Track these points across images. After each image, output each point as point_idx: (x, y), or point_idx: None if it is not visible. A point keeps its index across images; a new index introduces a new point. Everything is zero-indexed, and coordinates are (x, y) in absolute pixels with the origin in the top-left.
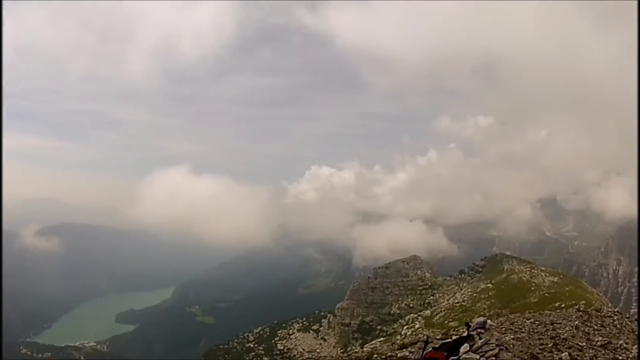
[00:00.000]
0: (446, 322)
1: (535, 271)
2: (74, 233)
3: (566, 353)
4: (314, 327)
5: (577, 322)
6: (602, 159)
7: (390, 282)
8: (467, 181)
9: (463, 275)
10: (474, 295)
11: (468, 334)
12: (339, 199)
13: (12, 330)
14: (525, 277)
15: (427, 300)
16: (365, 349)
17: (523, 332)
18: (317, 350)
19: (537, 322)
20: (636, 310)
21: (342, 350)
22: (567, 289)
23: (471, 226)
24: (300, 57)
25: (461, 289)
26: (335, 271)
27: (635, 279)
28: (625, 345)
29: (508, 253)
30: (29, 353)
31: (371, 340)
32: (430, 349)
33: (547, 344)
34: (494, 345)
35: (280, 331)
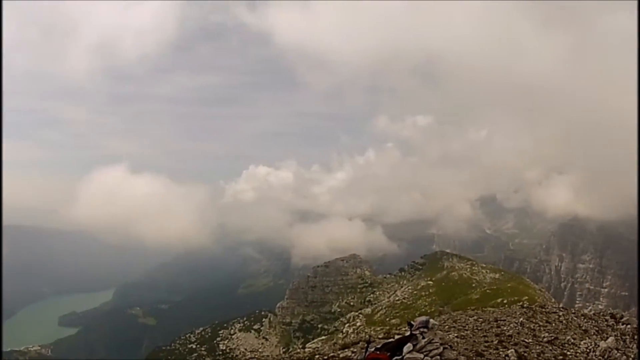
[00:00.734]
0: (388, 319)
1: (476, 268)
2: (13, 235)
3: (512, 350)
4: (255, 327)
5: (521, 319)
6: (543, 158)
7: (330, 281)
8: (406, 180)
9: (403, 273)
10: (415, 292)
11: (411, 333)
12: (277, 199)
13: None
14: (465, 274)
15: (367, 298)
16: (306, 349)
17: (467, 330)
18: (260, 350)
19: (481, 320)
20: (581, 305)
21: (284, 350)
22: (508, 285)
23: (410, 224)
24: (240, 56)
25: (401, 287)
26: (274, 270)
27: (578, 275)
28: (572, 340)
29: (448, 251)
30: None
31: (313, 339)
32: (372, 349)
33: (492, 341)
34: (438, 344)
35: (221, 331)
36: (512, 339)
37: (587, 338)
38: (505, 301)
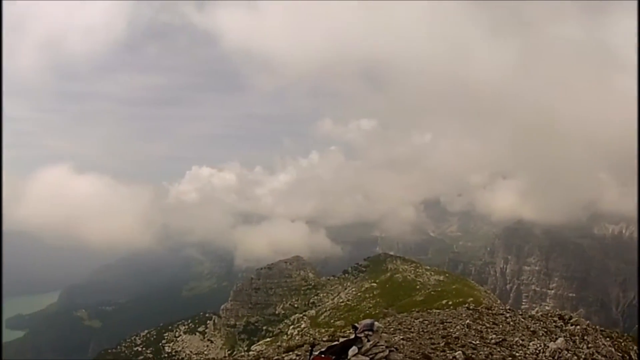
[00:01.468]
0: (332, 321)
1: (420, 270)
2: None
3: (460, 352)
4: (200, 329)
5: (468, 321)
6: (489, 162)
7: (273, 283)
8: (349, 183)
9: (347, 275)
10: (359, 294)
11: (355, 336)
12: (220, 200)
13: None
14: (410, 276)
15: (311, 300)
16: (251, 352)
17: (412, 332)
18: (205, 352)
19: (427, 322)
20: (527, 306)
21: (229, 352)
22: (453, 287)
23: (354, 227)
24: (187, 56)
25: (345, 289)
26: (217, 272)
27: (523, 277)
28: (521, 342)
29: (391, 253)
30: None
31: (258, 341)
32: (317, 352)
33: (439, 344)
34: (383, 347)
35: (167, 334)
36: (459, 341)
37: (535, 339)
38: (450, 303)
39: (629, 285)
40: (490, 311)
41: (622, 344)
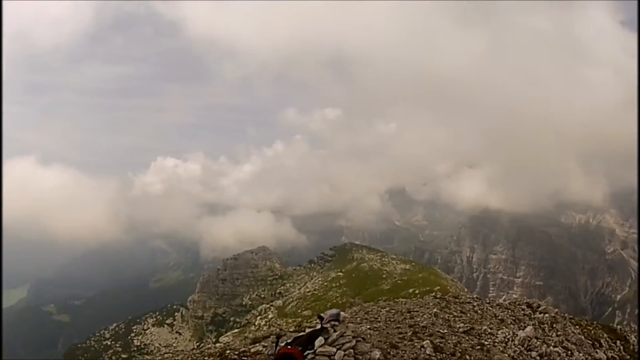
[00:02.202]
0: (299, 311)
1: (386, 259)
2: None
3: (428, 341)
4: (168, 321)
5: (435, 309)
6: (454, 152)
7: (239, 274)
8: (314, 172)
9: (313, 264)
10: (325, 284)
11: (322, 327)
12: (185, 191)
13: None
14: (376, 265)
15: (278, 290)
16: (217, 345)
17: (379, 322)
18: (173, 345)
19: (394, 311)
20: (494, 295)
21: (197, 343)
22: (420, 275)
23: (319, 216)
24: (152, 46)
25: (312, 279)
26: (184, 264)
27: (490, 265)
28: (489, 330)
29: (357, 242)
30: None
31: (226, 332)
32: (283, 344)
33: (406, 333)
34: (350, 337)
35: (135, 327)
36: (427, 330)
37: (504, 327)
38: (417, 291)
39: (596, 273)
40: (457, 300)
41: (592, 331)
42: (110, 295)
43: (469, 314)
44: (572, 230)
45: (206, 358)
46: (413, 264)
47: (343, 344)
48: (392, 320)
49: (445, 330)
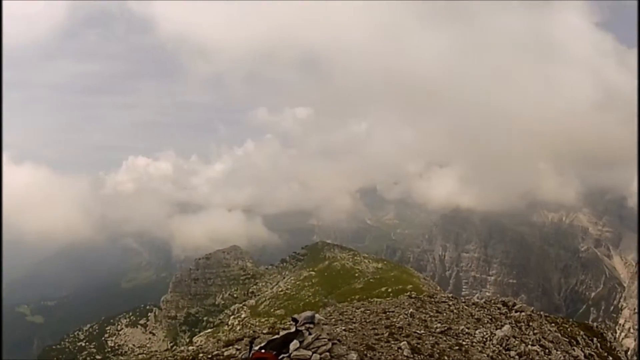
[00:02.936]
0: (272, 310)
1: (358, 258)
2: None
3: (405, 342)
4: (141, 322)
5: (411, 310)
6: (426, 151)
7: (212, 273)
8: (285, 171)
9: (285, 263)
10: (298, 283)
11: (296, 330)
12: (156, 190)
13: None
14: (348, 264)
15: (250, 290)
16: (190, 348)
17: (355, 323)
18: (147, 345)
19: (369, 311)
20: (467, 292)
21: (171, 344)
22: (392, 274)
23: (290, 215)
24: (124, 43)
25: (284, 278)
26: (156, 263)
27: (463, 263)
28: (467, 330)
29: (329, 241)
30: None
31: (199, 332)
32: (257, 348)
33: (383, 334)
34: (325, 339)
35: (109, 327)
36: (404, 331)
37: (481, 327)
38: (390, 290)
39: (570, 271)
40: (433, 299)
41: (568, 329)
42: (83, 296)
43: (445, 314)
44: (544, 229)
45: None
46: (385, 262)
47: (319, 347)
48: (367, 321)
49: (422, 331)
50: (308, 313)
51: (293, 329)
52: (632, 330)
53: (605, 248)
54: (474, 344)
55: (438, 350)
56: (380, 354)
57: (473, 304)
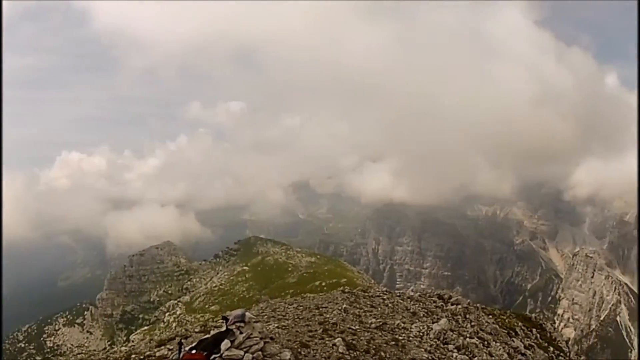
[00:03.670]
0: (207, 306)
1: (291, 252)
2: None
3: (339, 338)
4: (79, 321)
5: (345, 305)
6: (359, 145)
7: (146, 270)
8: (218, 166)
9: (218, 259)
10: (232, 278)
11: (227, 329)
12: (90, 186)
13: None
14: (281, 258)
15: (185, 286)
16: (123, 349)
17: (288, 319)
18: (85, 345)
19: (302, 307)
20: (402, 285)
21: (109, 342)
22: (326, 268)
23: (223, 210)
24: (59, 37)
25: (218, 273)
26: (91, 261)
27: (396, 257)
28: (402, 324)
29: (262, 236)
30: None
31: (136, 329)
32: (187, 348)
33: (316, 331)
34: (257, 338)
35: (47, 327)
36: (338, 327)
37: (417, 321)
38: (324, 284)
39: (505, 263)
40: (367, 294)
41: (506, 320)
42: (20, 295)
43: (379, 308)
44: (478, 222)
45: None
46: (318, 256)
47: (250, 346)
48: (300, 317)
49: (357, 327)
50: (238, 311)
51: (224, 328)
52: (571, 320)
53: (541, 240)
54: (411, 338)
55: (374, 346)
56: (314, 351)
57: (408, 297)
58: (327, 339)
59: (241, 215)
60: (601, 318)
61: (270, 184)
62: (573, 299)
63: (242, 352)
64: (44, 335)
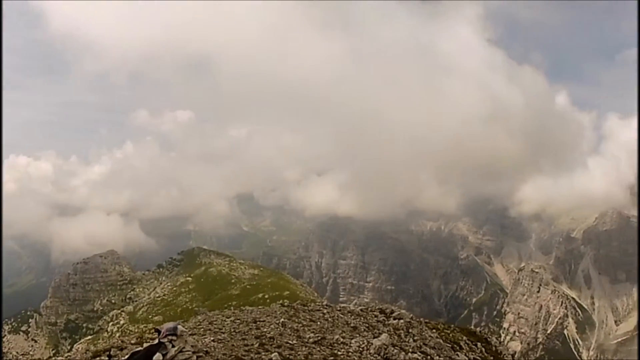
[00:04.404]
0: (150, 317)
1: (235, 264)
2: None
3: (276, 353)
4: (23, 328)
5: (283, 319)
6: (305, 159)
7: (90, 278)
8: (164, 175)
9: (162, 269)
10: (175, 289)
11: (159, 342)
12: (36, 191)
13: None
14: (224, 270)
15: (128, 296)
16: (59, 358)
17: (224, 333)
18: (30, 353)
19: (239, 321)
20: (345, 299)
21: (53, 351)
22: (269, 280)
23: (168, 220)
24: (14, 37)
25: (161, 283)
26: (36, 267)
27: (340, 270)
28: (342, 339)
29: (205, 247)
30: None
31: (79, 338)
32: None
33: (252, 345)
34: (190, 352)
35: None
36: (275, 341)
37: (358, 336)
38: (267, 296)
39: (450, 278)
40: (306, 307)
41: (450, 334)
42: None
43: (319, 323)
44: (423, 237)
45: None
46: (262, 269)
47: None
48: (237, 331)
49: (295, 341)
50: (170, 324)
51: (157, 341)
52: (517, 333)
53: (486, 256)
54: (350, 354)
55: None
56: None
57: (349, 312)
58: (263, 353)
59: (185, 225)
60: (548, 331)
61: (215, 194)
62: (519, 313)
63: None
64: None
